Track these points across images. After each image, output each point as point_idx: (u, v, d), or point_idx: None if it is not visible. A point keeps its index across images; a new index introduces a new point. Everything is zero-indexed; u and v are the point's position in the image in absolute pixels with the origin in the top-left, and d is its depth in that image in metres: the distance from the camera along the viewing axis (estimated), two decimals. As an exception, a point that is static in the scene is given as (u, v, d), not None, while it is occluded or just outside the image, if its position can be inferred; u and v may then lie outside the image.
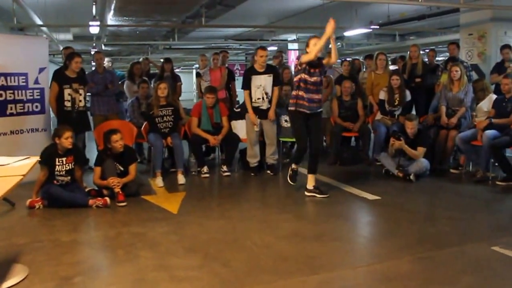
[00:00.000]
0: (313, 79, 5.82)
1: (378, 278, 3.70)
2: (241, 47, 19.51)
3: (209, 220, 5.20)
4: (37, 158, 4.09)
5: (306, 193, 6.03)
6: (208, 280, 3.64)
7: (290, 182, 6.19)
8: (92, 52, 12.42)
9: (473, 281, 3.57)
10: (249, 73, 7.25)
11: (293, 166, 6.20)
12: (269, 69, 7.20)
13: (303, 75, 5.81)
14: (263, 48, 7.18)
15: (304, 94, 5.82)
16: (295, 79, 5.96)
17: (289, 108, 6.03)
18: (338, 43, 18.16)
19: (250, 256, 4.13)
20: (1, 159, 3.94)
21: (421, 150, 6.74)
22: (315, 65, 5.81)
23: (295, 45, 17.15)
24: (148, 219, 5.24)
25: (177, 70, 28.74)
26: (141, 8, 9.33)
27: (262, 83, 7.08)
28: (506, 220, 5.04)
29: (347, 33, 13.81)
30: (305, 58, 5.75)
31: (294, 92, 5.95)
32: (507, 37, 9.38)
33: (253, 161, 7.34)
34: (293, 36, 15.59)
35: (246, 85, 7.16)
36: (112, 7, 9.05)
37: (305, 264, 3.92)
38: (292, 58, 17.47)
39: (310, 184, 6.05)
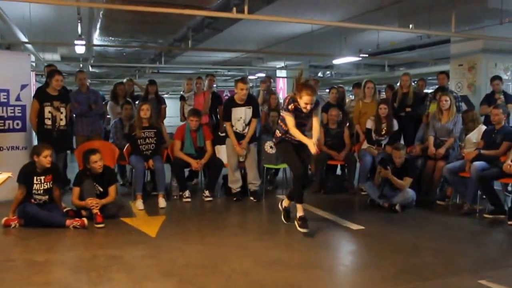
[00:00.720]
0: (301, 120, 5.42)
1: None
2: (229, 73, 19.51)
3: (187, 244, 5.03)
4: (8, 174, 3.94)
5: (296, 223, 5.51)
6: (181, 307, 3.47)
7: (285, 221, 5.89)
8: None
9: (459, 315, 3.43)
10: (229, 105, 7.14)
11: (285, 203, 5.89)
12: (248, 101, 7.09)
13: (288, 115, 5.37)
14: (244, 82, 7.06)
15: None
16: (282, 114, 5.49)
17: (276, 142, 5.76)
18: (328, 72, 18.25)
19: (227, 282, 3.96)
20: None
21: (407, 180, 6.63)
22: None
23: (283, 72, 17.17)
24: (126, 242, 5.07)
25: (165, 95, 28.87)
26: (127, 28, 9.23)
27: (243, 116, 7.03)
28: (493, 253, 4.91)
29: (336, 61, 13.81)
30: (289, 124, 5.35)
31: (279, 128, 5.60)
32: (497, 69, 9.39)
33: (235, 186, 7.20)
34: (281, 63, 15.58)
35: (227, 117, 7.09)
36: (98, 26, 8.95)
37: (284, 293, 3.76)
38: (280, 85, 17.47)
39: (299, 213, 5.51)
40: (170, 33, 10.09)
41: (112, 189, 6.03)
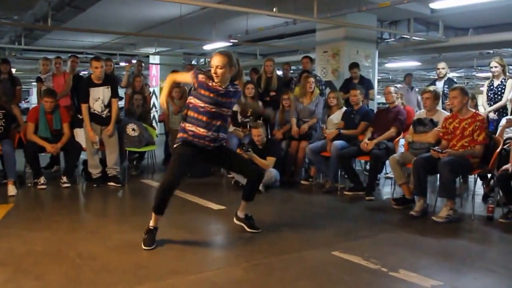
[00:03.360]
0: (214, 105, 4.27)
1: (208, 285, 3.40)
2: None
3: (32, 232, 4.61)
4: None
5: (235, 221, 4.81)
6: (11, 296, 3.13)
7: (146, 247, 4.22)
8: None
9: (308, 285, 3.39)
10: (87, 84, 6.74)
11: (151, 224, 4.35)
12: (106, 81, 6.75)
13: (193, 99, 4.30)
14: (98, 59, 6.72)
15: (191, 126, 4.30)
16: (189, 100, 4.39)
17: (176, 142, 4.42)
18: (202, 60, 18.09)
19: (70, 268, 3.65)
20: None
21: (270, 159, 6.63)
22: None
23: (156, 59, 16.75)
24: (-44, 232, 4.55)
25: (33, 83, 27.12)
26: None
27: (101, 96, 6.67)
28: (348, 227, 5.00)
29: (206, 47, 13.68)
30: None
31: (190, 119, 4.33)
32: (359, 56, 9.76)
33: (95, 172, 6.82)
34: (153, 49, 15.18)
35: (84, 98, 6.69)
36: None
37: (131, 274, 3.54)
38: (153, 72, 17.04)
39: (242, 212, 4.82)
40: (26, 9, 9.31)
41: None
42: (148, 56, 16.78)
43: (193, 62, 17.33)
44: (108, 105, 6.72)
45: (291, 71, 10.08)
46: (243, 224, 4.73)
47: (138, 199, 6.56)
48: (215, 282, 3.44)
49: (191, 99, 4.26)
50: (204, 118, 4.22)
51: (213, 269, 3.76)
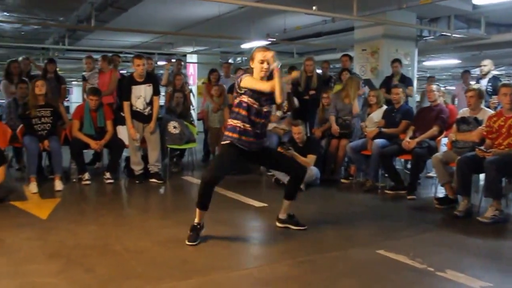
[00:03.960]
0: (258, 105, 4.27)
1: (254, 281, 3.45)
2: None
3: (80, 225, 4.74)
4: None
5: (279, 224, 4.75)
6: (65, 286, 3.24)
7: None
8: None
9: (354, 283, 3.40)
10: (129, 83, 6.86)
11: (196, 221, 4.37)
12: (148, 79, 6.86)
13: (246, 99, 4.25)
14: (139, 57, 6.82)
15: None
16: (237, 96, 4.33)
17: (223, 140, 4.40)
18: (238, 59, 18.17)
19: (118, 261, 3.74)
20: None
21: (311, 157, 6.63)
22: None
23: (193, 58, 16.89)
24: (10, 225, 4.71)
25: (74, 82, 27.65)
26: (22, 2, 8.64)
27: (142, 94, 6.77)
28: (391, 226, 4.97)
29: (244, 46, 13.74)
30: (252, 84, 4.17)
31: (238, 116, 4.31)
32: (398, 54, 9.68)
33: (137, 168, 6.94)
34: (191, 48, 15.31)
35: (126, 96, 6.79)
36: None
37: (177, 269, 3.60)
38: (190, 71, 17.19)
39: (284, 213, 4.75)
40: (71, 10, 9.54)
41: (0, 171, 5.60)
42: (185, 55, 16.92)
43: (230, 61, 17.40)
44: (150, 103, 6.82)
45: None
46: (288, 225, 4.71)
47: (179, 195, 6.66)
48: (260, 279, 3.47)
49: (239, 97, 4.26)
50: (249, 114, 4.22)
51: (257, 266, 3.79)
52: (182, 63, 10.46)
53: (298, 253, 4.01)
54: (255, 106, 4.23)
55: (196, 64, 16.91)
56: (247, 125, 4.24)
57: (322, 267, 3.68)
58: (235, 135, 4.26)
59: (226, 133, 4.34)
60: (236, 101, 4.30)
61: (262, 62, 4.12)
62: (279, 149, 6.27)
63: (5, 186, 5.69)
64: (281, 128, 7.59)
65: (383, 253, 3.99)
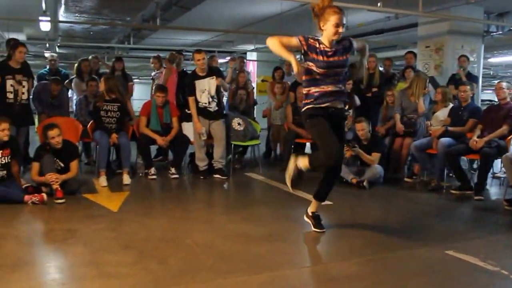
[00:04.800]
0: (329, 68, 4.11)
1: (324, 278, 3.47)
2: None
3: (149, 218, 4.89)
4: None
5: (305, 218, 4.65)
6: (140, 277, 3.33)
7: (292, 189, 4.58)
8: (46, 55, 11.89)
9: (425, 283, 3.37)
10: (192, 78, 6.98)
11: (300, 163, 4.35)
12: (211, 72, 6.98)
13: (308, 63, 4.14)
14: (199, 52, 6.94)
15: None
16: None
17: (306, 117, 4.28)
18: (298, 57, 18.12)
19: (189, 254, 3.84)
20: None
21: (375, 155, 6.59)
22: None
23: (253, 55, 16.99)
24: (85, 216, 4.90)
25: (136, 80, 28.36)
26: (93, 4, 8.97)
27: (206, 87, 6.87)
28: (459, 226, 4.90)
29: (305, 43, 13.70)
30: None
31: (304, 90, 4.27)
32: (464, 51, 9.42)
33: (201, 164, 7.07)
34: (251, 46, 15.41)
35: (190, 91, 6.92)
36: (62, 1, 8.67)
37: (247, 263, 3.65)
38: (250, 69, 17.30)
39: (311, 209, 4.62)
40: (138, 10, 9.83)
41: (73, 165, 5.84)
42: (245, 53, 17.04)
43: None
44: (215, 97, 6.92)
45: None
46: (310, 221, 4.56)
47: (243, 191, 6.74)
48: (330, 276, 3.49)
49: (307, 64, 4.13)
50: (321, 78, 4.10)
51: (326, 262, 3.82)
52: (245, 60, 10.55)
53: (366, 251, 4.01)
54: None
55: (256, 62, 17.00)
56: None
57: (391, 266, 3.66)
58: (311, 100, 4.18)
59: (304, 104, 4.24)
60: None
61: (337, 25, 3.99)
62: (345, 148, 6.29)
63: (77, 180, 5.92)
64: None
65: (452, 254, 3.92)
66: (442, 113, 7.01)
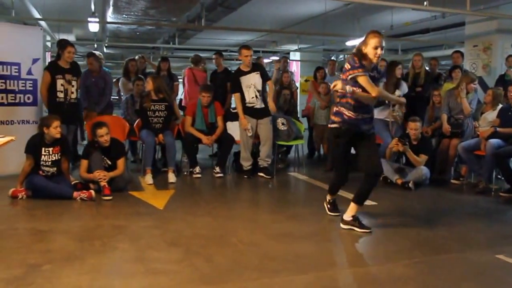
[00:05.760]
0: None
1: (371, 280, 3.44)
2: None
3: (195, 216, 4.95)
4: (12, 137, 3.86)
5: (342, 226, 4.61)
6: (187, 274, 3.39)
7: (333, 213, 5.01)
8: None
9: (474, 287, 3.30)
10: (237, 75, 7.03)
11: (328, 197, 5.03)
12: (255, 68, 7.00)
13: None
14: (247, 48, 6.96)
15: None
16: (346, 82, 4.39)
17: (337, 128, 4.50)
18: (341, 56, 18.03)
19: (235, 253, 3.87)
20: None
21: (423, 157, 6.49)
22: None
23: (297, 55, 16.97)
24: (132, 213, 5.01)
25: (180, 80, 28.73)
26: (139, 5, 9.15)
27: (252, 82, 6.89)
28: (509, 230, 4.77)
29: (349, 43, 13.61)
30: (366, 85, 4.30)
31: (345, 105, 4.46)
32: (513, 50, 9.20)
33: (246, 164, 7.11)
34: (295, 46, 15.41)
35: (236, 88, 6.96)
36: (111, 2, 8.87)
37: (293, 263, 3.66)
38: (293, 69, 17.30)
39: (349, 214, 4.62)
40: (183, 10, 9.97)
41: (120, 162, 5.96)
42: (288, 53, 17.05)
43: (333, 58, 17.35)
44: (261, 92, 6.93)
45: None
46: (352, 227, 4.52)
47: (287, 191, 6.75)
48: (377, 277, 3.46)
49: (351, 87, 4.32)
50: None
51: (372, 264, 3.78)
52: (288, 60, 10.56)
53: (412, 253, 3.96)
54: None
55: (299, 62, 16.99)
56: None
57: (439, 269, 3.60)
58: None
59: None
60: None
61: (376, 48, 4.22)
62: (395, 141, 6.46)
63: (124, 177, 6.04)
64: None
65: (503, 258, 3.83)
66: (491, 114, 6.84)
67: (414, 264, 3.68)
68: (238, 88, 6.93)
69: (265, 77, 7.02)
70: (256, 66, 7.07)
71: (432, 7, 7.81)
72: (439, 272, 3.55)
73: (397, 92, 6.87)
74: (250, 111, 6.93)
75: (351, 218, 4.56)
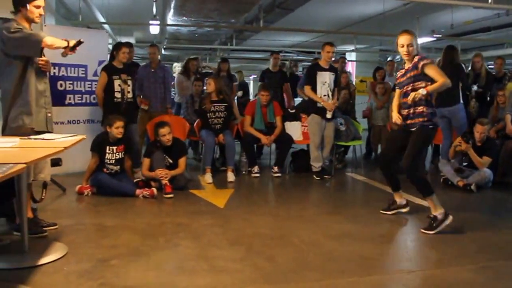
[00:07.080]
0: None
1: (437, 283, 3.37)
2: (298, 57, 19.32)
3: (255, 216, 5.00)
4: (82, 136, 4.02)
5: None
6: (250, 273, 3.42)
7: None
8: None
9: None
10: (314, 68, 7.02)
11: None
12: (332, 68, 7.03)
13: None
14: (331, 44, 6.96)
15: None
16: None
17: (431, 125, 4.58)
18: (398, 57, 17.73)
19: (297, 253, 3.88)
20: (48, 135, 3.94)
21: (486, 159, 6.33)
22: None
23: (353, 56, 16.83)
24: (194, 211, 5.10)
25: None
26: (200, 7, 9.31)
27: (327, 80, 6.89)
28: None
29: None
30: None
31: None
32: None
33: (317, 165, 7.04)
34: (351, 47, 15.28)
35: (309, 80, 6.95)
36: (172, 5, 9.06)
37: (356, 264, 3.64)
38: (349, 69, 17.15)
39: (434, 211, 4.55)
40: (242, 12, 10.07)
41: (181, 161, 6.08)
42: (344, 54, 16.93)
43: (389, 59, 17.11)
44: (333, 92, 6.93)
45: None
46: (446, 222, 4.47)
47: (346, 191, 6.74)
48: (444, 282, 3.38)
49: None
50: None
51: (437, 267, 3.70)
52: (346, 61, 10.50)
53: (479, 257, 3.86)
54: None
55: (354, 62, 16.84)
56: None
57: (507, 275, 3.51)
58: None
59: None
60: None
61: (402, 46, 4.51)
62: (459, 139, 6.40)
63: (184, 176, 6.16)
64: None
65: None
66: (559, 116, 6.61)
67: (481, 269, 3.59)
68: (312, 81, 6.92)
69: (336, 82, 7.04)
70: (333, 68, 7.09)
71: (495, 5, 7.59)
72: (507, 278, 3.46)
73: None
74: (321, 112, 6.91)
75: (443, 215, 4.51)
